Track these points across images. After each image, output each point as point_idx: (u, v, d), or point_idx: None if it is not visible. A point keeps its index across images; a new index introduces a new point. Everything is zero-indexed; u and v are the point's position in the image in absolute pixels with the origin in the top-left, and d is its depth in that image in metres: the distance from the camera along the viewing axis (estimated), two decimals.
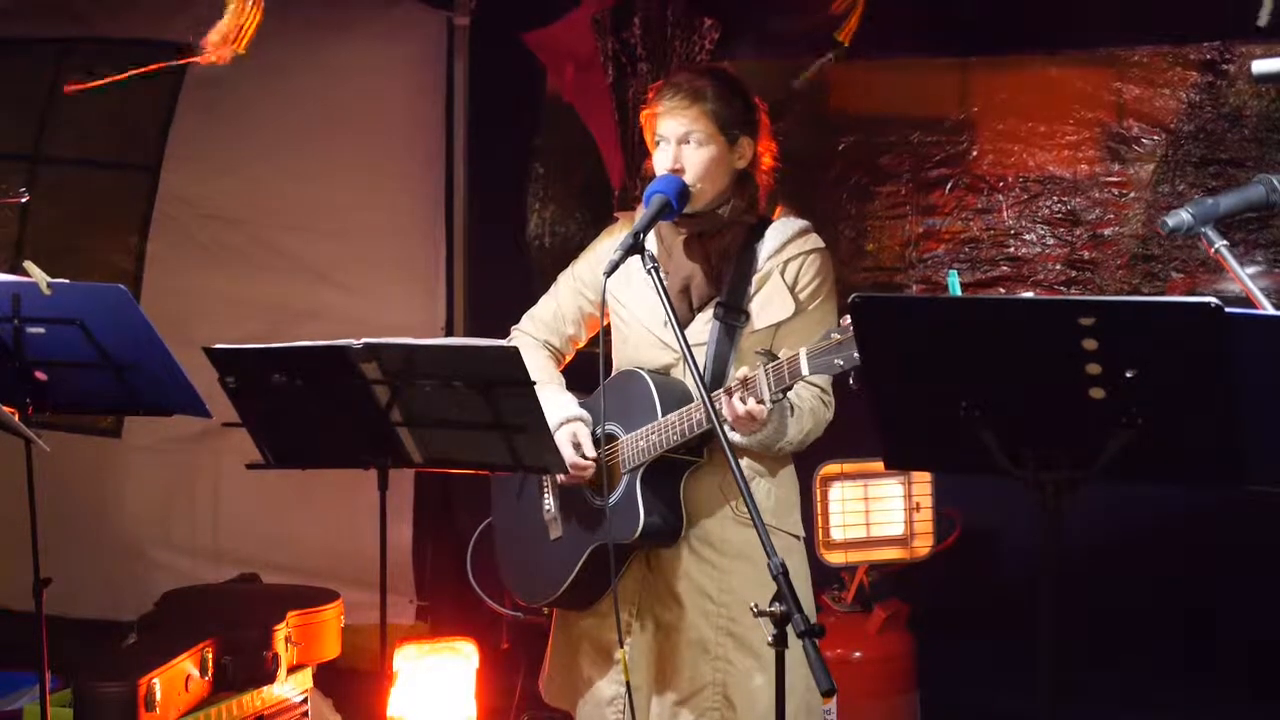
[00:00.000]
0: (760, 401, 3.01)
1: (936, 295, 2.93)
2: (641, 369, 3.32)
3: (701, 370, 3.18)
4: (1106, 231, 5.35)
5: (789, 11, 5.38)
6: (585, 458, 3.28)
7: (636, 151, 5.17)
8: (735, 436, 3.14)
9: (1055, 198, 5.38)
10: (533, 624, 4.74)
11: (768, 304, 3.27)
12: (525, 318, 3.59)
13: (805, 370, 2.93)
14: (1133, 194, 5.32)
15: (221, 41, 3.70)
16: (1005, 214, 5.44)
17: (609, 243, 3.46)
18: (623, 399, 3.30)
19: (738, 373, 3.07)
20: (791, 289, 3.27)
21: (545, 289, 3.61)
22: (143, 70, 4.24)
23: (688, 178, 3.20)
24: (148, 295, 5.59)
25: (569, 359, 3.59)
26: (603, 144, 5.35)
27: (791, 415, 3.19)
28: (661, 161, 3.24)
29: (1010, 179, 5.42)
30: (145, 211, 5.77)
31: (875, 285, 5.49)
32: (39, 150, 5.91)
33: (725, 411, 3.05)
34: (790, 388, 3.01)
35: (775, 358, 2.98)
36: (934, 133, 5.52)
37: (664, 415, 3.19)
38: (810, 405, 3.24)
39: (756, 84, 3.43)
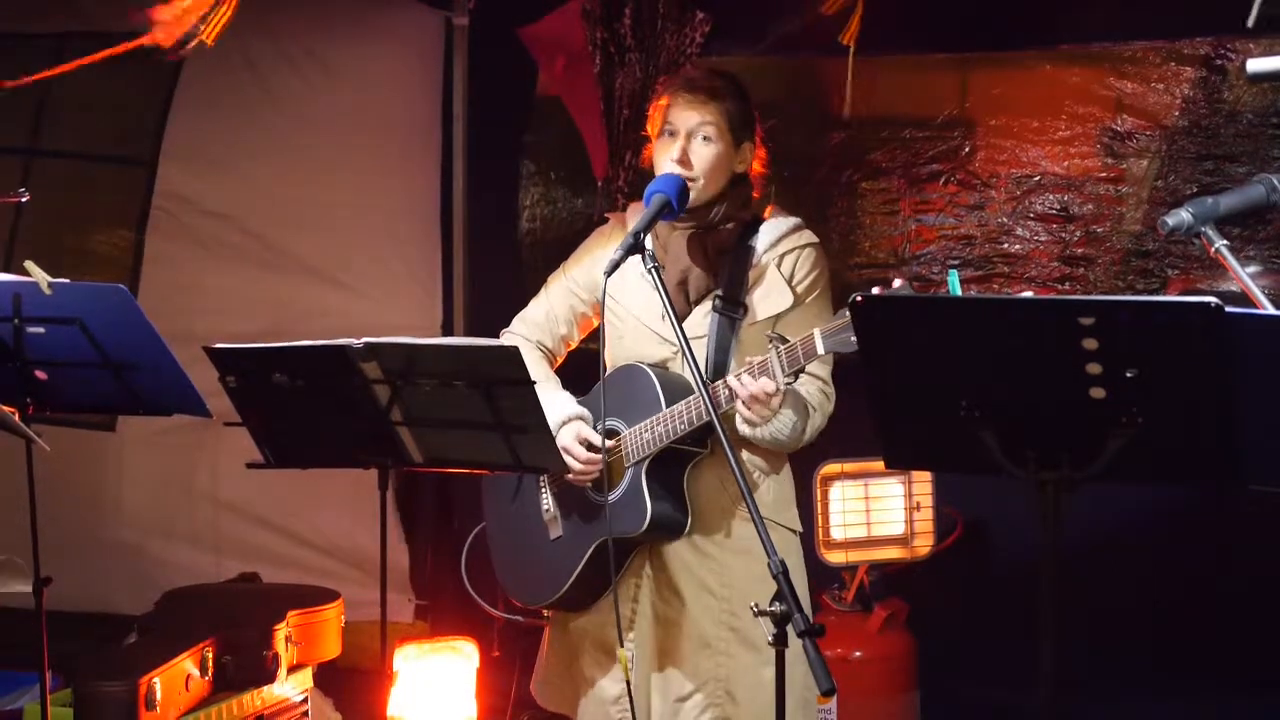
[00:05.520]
0: (773, 381, 3.02)
1: (936, 294, 2.93)
2: (642, 363, 3.33)
3: (702, 362, 3.19)
4: (1100, 228, 5.35)
5: (780, 7, 5.38)
6: (594, 449, 3.28)
7: (620, 142, 5.16)
8: (747, 430, 3.16)
9: (1049, 194, 5.39)
10: (530, 626, 4.74)
11: (766, 297, 3.29)
12: (516, 319, 3.59)
13: (820, 349, 2.95)
14: (1127, 190, 5.32)
15: (172, 22, 3.65)
16: (999, 210, 5.44)
17: (601, 243, 3.48)
18: (623, 394, 3.30)
19: (750, 359, 3.08)
20: (788, 282, 3.30)
21: (537, 286, 3.62)
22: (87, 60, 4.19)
23: (693, 172, 3.22)
24: (144, 291, 5.60)
25: (561, 360, 3.59)
26: (587, 135, 5.34)
27: (809, 412, 3.23)
28: (666, 152, 3.25)
29: (1004, 175, 5.42)
30: (142, 207, 5.77)
31: (868, 282, 5.48)
32: (35, 144, 5.91)
33: (735, 386, 3.06)
34: (803, 369, 3.03)
35: (786, 340, 3.00)
36: (927, 129, 5.52)
37: (668, 407, 3.20)
38: (818, 400, 3.27)
39: (747, 80, 3.44)
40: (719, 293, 3.30)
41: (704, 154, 3.24)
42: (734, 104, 3.28)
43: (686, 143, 3.24)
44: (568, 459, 3.26)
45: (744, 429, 3.17)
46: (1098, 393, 2.37)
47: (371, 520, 3.42)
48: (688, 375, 3.24)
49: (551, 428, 3.19)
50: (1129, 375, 2.33)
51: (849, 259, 5.62)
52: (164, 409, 3.51)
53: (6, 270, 3.85)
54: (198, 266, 5.68)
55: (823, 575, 4.79)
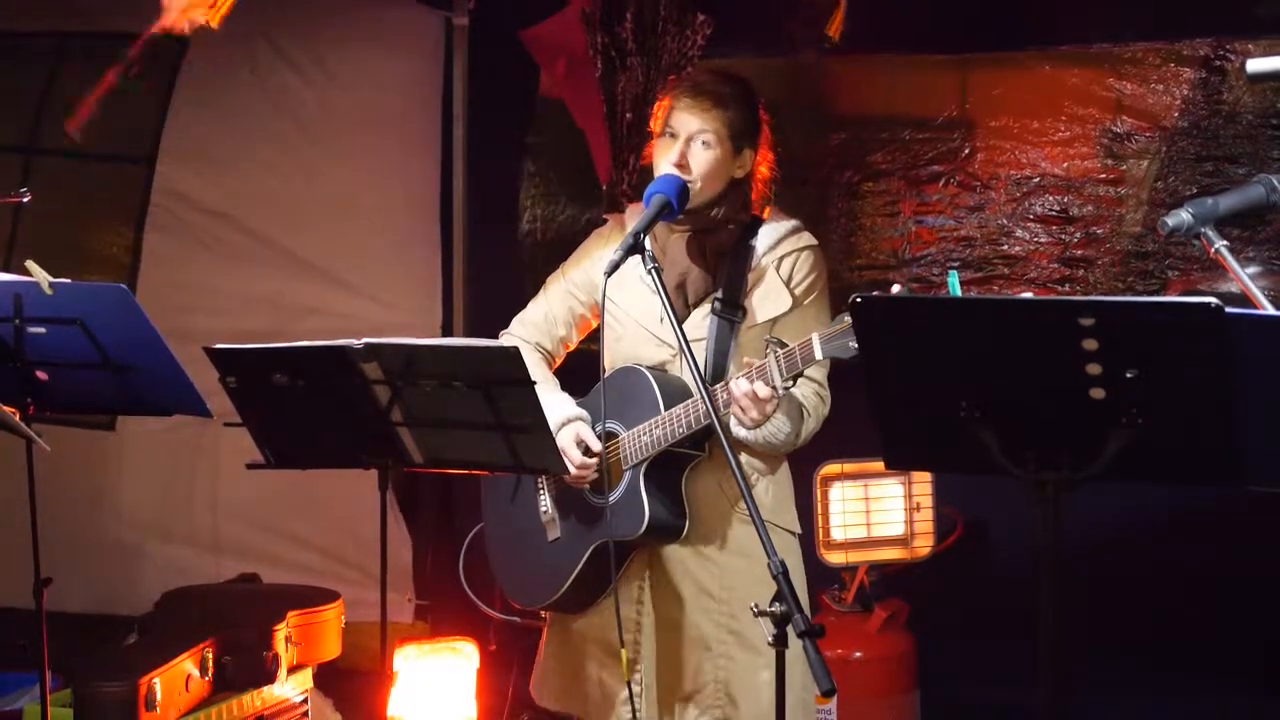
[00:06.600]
0: (770, 386, 3.02)
1: (937, 295, 2.94)
2: (640, 365, 3.33)
3: (701, 365, 3.19)
4: (1100, 230, 5.36)
5: (782, 9, 5.39)
6: (591, 454, 3.28)
7: (624, 146, 5.16)
8: (741, 432, 3.16)
9: (1049, 195, 5.39)
10: (528, 627, 4.74)
11: (765, 299, 3.29)
12: (515, 321, 3.58)
13: (818, 354, 2.94)
14: (1127, 191, 5.33)
15: (187, 5, 3.65)
16: (999, 212, 5.44)
17: (600, 244, 3.48)
18: (621, 396, 3.30)
19: (748, 360, 3.08)
20: (787, 284, 3.29)
21: (537, 286, 3.61)
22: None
23: (689, 176, 3.21)
24: (143, 289, 5.59)
25: (559, 361, 3.59)
26: (591, 138, 5.34)
27: (804, 416, 3.23)
28: (665, 154, 3.25)
29: (1004, 177, 5.42)
30: (141, 205, 5.77)
31: (868, 283, 5.49)
32: (35, 142, 5.91)
33: (734, 390, 3.06)
34: (801, 374, 3.03)
35: (785, 344, 3.00)
36: (927, 130, 5.52)
37: (667, 410, 3.20)
38: (813, 404, 3.27)
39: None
40: (718, 295, 3.29)
41: (702, 159, 3.24)
42: (737, 111, 3.26)
43: (685, 146, 3.24)
44: (564, 460, 3.26)
45: (739, 431, 3.17)
46: (1098, 393, 2.37)
47: (371, 521, 3.42)
48: (686, 378, 3.24)
49: (550, 429, 3.19)
50: (1129, 376, 2.33)
51: (849, 260, 5.62)
52: (164, 409, 3.51)
53: (7, 270, 3.85)
54: (197, 265, 5.68)
55: (823, 576, 4.79)
